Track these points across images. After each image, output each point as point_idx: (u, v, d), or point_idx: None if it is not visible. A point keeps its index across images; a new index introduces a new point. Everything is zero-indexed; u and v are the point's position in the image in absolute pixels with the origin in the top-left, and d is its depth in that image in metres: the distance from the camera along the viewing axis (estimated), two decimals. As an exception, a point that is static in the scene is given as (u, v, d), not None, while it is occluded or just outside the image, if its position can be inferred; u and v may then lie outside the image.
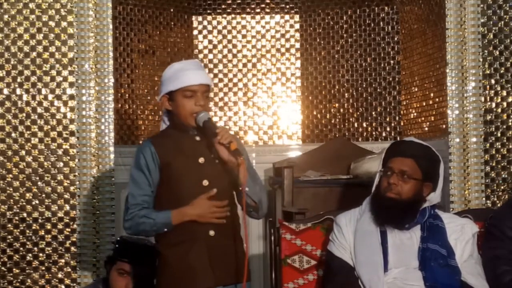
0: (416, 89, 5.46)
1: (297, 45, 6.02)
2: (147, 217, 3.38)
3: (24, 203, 4.56)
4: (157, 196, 3.45)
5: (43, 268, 4.56)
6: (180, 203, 3.39)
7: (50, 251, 4.56)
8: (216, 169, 3.42)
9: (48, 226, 4.57)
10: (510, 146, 4.69)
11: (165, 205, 3.42)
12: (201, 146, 3.43)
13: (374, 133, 5.84)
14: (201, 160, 3.42)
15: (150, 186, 3.43)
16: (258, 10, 6.03)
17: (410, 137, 3.66)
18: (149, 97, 5.71)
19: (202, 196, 3.37)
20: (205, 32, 6.01)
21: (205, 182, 3.40)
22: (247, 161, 3.44)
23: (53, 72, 4.60)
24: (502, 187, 4.67)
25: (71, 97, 4.60)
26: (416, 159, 3.44)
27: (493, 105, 4.69)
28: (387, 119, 5.80)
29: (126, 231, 3.49)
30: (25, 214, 4.56)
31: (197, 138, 3.45)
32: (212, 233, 3.39)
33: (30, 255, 4.56)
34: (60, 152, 4.59)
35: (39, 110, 4.59)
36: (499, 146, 4.69)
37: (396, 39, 5.75)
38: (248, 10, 6.02)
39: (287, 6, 6.02)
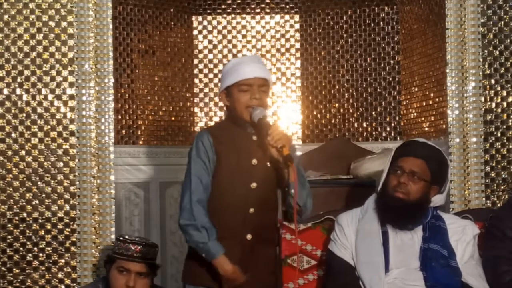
0: (416, 89, 5.46)
1: (297, 45, 6.02)
2: (202, 236, 3.32)
3: (24, 203, 4.56)
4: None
5: (43, 268, 4.56)
6: (226, 201, 3.38)
7: (50, 251, 4.56)
8: (266, 171, 3.39)
9: (48, 226, 4.56)
10: (510, 146, 4.69)
11: (214, 198, 3.41)
12: (256, 147, 3.40)
13: (374, 133, 5.84)
14: (254, 161, 3.39)
15: (209, 175, 3.38)
16: (258, 10, 6.03)
17: (420, 138, 3.67)
18: (149, 97, 5.71)
19: (238, 271, 3.32)
20: (205, 32, 6.01)
21: (254, 185, 3.39)
22: (296, 162, 3.42)
23: (53, 72, 4.60)
24: (502, 187, 4.67)
25: (71, 97, 4.60)
26: (427, 161, 3.45)
27: (493, 105, 4.69)
28: (387, 119, 5.80)
29: (180, 221, 3.43)
30: (25, 214, 4.55)
31: (254, 138, 3.42)
32: (249, 236, 3.39)
33: (30, 255, 4.56)
34: (60, 152, 4.59)
35: (39, 110, 4.59)
36: (499, 146, 4.69)
37: (396, 39, 5.75)
38: (248, 10, 6.02)
39: (287, 6, 6.02)
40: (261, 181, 3.38)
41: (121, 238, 3.98)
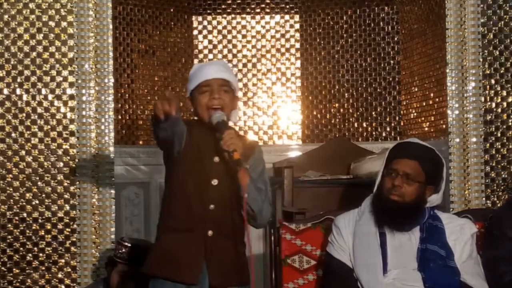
0: (416, 89, 5.46)
1: (297, 45, 6.02)
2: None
3: (24, 203, 4.56)
4: (169, 178, 3.43)
5: (43, 268, 4.56)
6: (187, 194, 3.36)
7: (50, 251, 4.56)
8: (228, 170, 3.38)
9: (48, 226, 4.57)
10: (510, 146, 4.69)
11: (175, 191, 3.38)
12: (219, 145, 3.40)
13: (374, 133, 5.84)
14: (216, 159, 3.38)
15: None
16: (258, 10, 6.03)
17: (414, 139, 3.65)
18: (149, 97, 5.71)
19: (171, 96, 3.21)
20: (205, 32, 6.01)
21: (215, 182, 3.37)
22: (260, 170, 3.40)
23: (53, 72, 4.60)
24: (502, 187, 4.68)
25: (71, 97, 4.60)
26: (421, 162, 3.43)
27: (493, 105, 4.69)
28: (387, 119, 5.80)
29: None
30: (25, 214, 4.56)
31: (218, 135, 3.42)
32: (210, 233, 3.38)
33: (30, 255, 4.56)
34: (60, 152, 4.59)
35: (39, 110, 4.59)
36: (499, 146, 4.69)
37: (396, 39, 5.75)
38: (248, 10, 6.02)
39: (287, 6, 6.02)
40: (222, 178, 3.35)
41: (123, 242, 3.98)
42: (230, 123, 3.41)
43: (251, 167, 3.37)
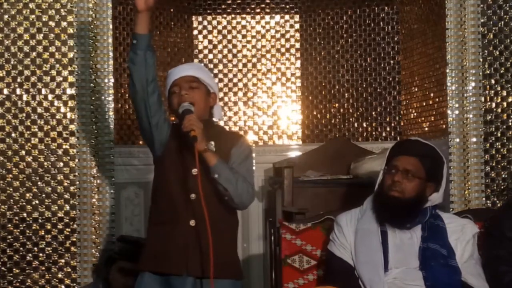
0: (416, 89, 5.46)
1: (297, 45, 6.02)
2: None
3: (24, 203, 4.56)
4: (155, 174, 3.50)
5: (43, 268, 4.56)
6: (169, 189, 3.41)
7: (50, 251, 4.56)
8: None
9: (48, 226, 4.57)
10: (510, 146, 4.69)
11: (156, 181, 3.47)
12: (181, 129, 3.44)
13: (374, 133, 5.84)
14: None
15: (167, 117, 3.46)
16: (258, 10, 6.02)
17: (415, 137, 3.68)
18: (149, 97, 5.69)
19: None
20: (205, 32, 6.01)
21: (195, 171, 3.40)
22: (244, 157, 3.47)
23: (53, 72, 4.60)
24: (502, 187, 4.68)
25: (71, 97, 4.60)
26: (421, 159, 3.46)
27: (493, 105, 4.69)
28: (387, 119, 5.80)
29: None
30: (25, 214, 4.56)
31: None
32: (192, 222, 3.39)
33: (30, 255, 4.56)
34: (60, 152, 4.59)
35: (39, 110, 4.59)
36: (499, 146, 4.69)
37: (396, 39, 5.75)
38: (248, 10, 6.02)
39: (287, 6, 6.02)
40: (202, 168, 3.38)
41: (123, 239, 3.98)
42: (220, 122, 3.47)
43: (234, 155, 3.44)
